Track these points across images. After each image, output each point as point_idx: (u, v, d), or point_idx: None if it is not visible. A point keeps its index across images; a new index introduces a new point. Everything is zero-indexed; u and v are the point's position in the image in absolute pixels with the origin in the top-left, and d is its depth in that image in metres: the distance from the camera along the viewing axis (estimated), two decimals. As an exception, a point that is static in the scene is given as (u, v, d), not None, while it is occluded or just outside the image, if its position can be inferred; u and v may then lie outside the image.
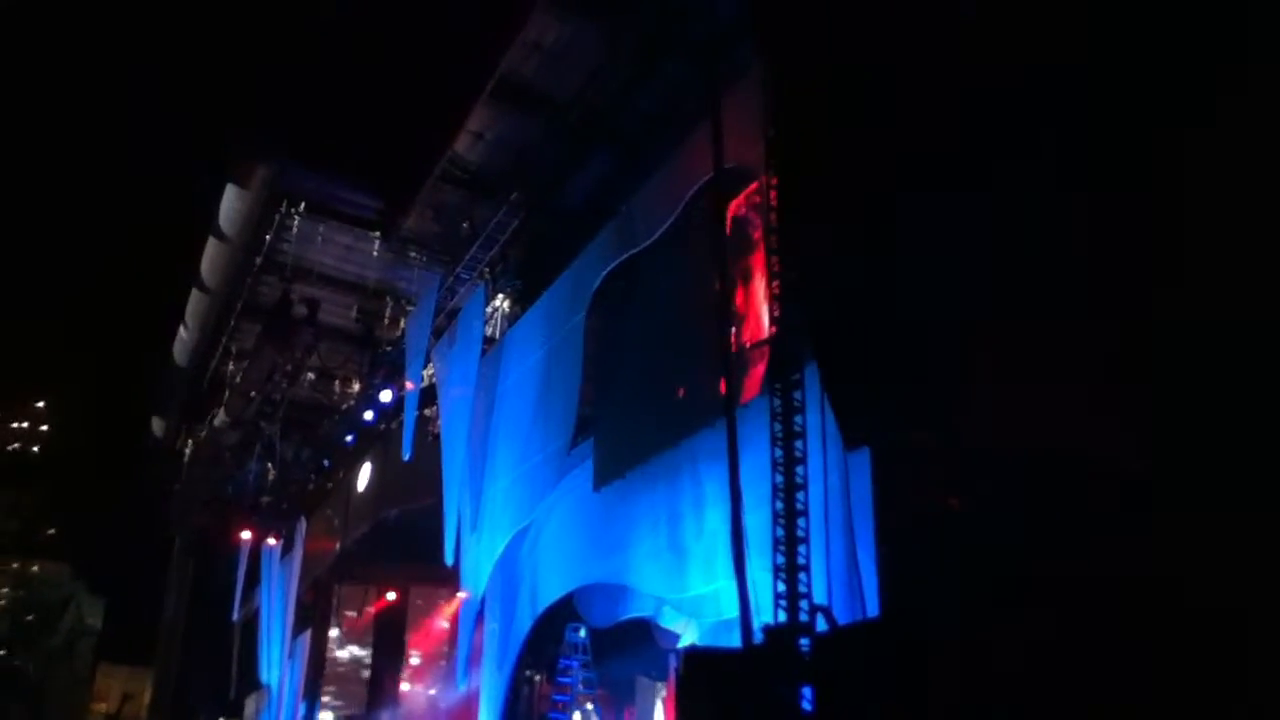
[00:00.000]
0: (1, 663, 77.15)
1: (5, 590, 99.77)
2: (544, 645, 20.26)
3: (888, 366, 10.67)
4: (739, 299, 14.18)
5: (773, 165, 12.75)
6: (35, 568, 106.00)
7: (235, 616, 39.91)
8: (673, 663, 15.56)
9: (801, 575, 11.33)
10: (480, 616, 21.39)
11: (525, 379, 20.66)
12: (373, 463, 30.17)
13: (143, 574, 59.92)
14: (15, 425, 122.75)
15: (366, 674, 33.48)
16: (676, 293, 17.02)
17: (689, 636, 16.16)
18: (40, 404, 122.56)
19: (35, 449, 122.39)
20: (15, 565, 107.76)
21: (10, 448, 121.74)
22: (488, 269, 24.20)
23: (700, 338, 15.64)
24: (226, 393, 39.61)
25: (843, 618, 10.97)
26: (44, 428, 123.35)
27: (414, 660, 31.57)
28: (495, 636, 20.77)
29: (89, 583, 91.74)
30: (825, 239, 12.27)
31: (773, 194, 12.66)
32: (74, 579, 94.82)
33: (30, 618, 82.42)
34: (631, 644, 19.10)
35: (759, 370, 13.37)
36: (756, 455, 12.16)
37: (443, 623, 29.25)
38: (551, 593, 19.28)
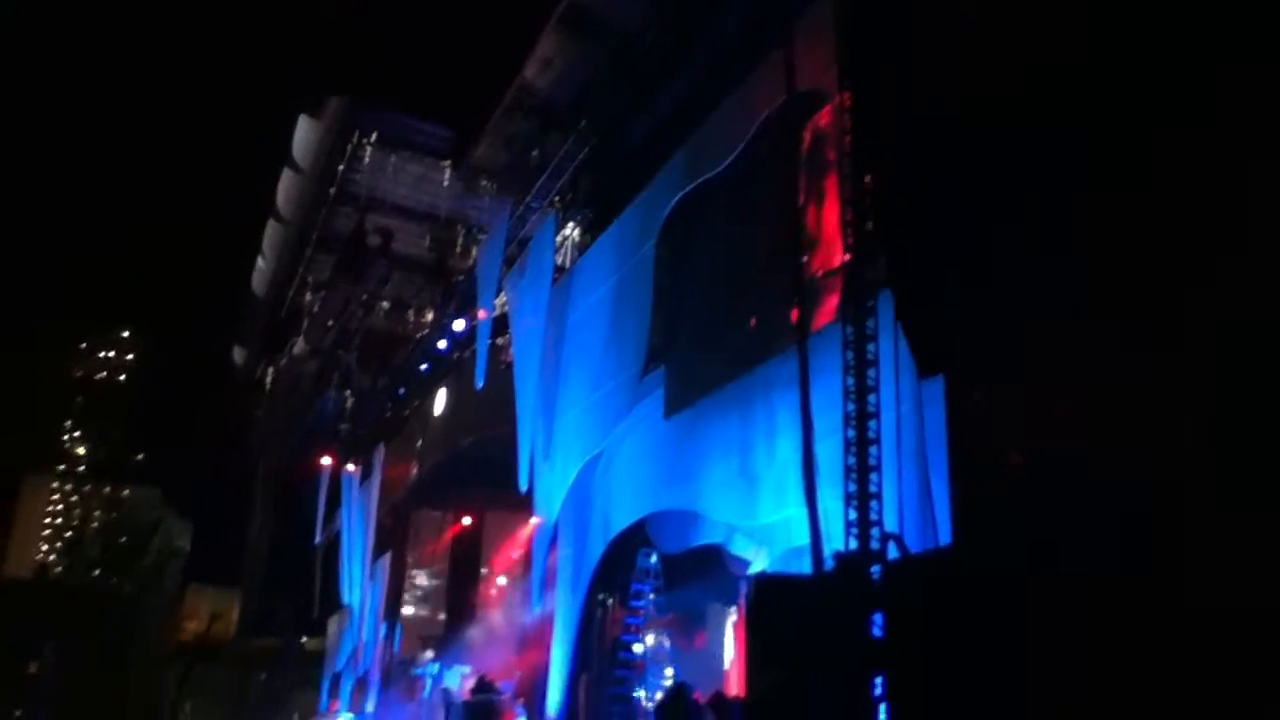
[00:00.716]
0: (98, 583, 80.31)
1: (98, 514, 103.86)
2: (616, 570, 20.48)
3: (968, 290, 10.51)
4: (812, 224, 13.99)
5: (846, 86, 12.50)
6: (125, 492, 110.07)
7: (317, 540, 41.01)
8: (743, 589, 15.70)
9: (873, 503, 11.30)
10: (554, 542, 21.72)
11: (596, 308, 20.71)
12: (447, 391, 30.60)
13: (228, 498, 61.76)
14: (102, 355, 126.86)
15: (443, 596, 34.26)
16: (748, 219, 16.84)
17: (760, 563, 16.23)
18: (125, 334, 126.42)
19: (122, 378, 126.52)
20: (107, 490, 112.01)
21: (98, 377, 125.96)
22: (558, 198, 24.18)
23: (772, 265, 15.51)
24: (304, 322, 40.39)
25: (915, 546, 10.94)
26: (129, 357, 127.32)
27: (489, 583, 32.21)
28: (568, 561, 21.09)
29: (177, 507, 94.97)
30: (900, 163, 12.05)
31: (846, 117, 12.44)
32: (163, 503, 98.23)
33: (123, 540, 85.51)
34: (703, 570, 19.23)
35: (832, 297, 13.22)
36: (829, 383, 12.10)
37: (517, 548, 29.76)
38: (623, 519, 19.48)
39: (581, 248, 24.01)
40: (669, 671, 19.59)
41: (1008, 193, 10.31)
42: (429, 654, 30.14)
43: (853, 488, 11.43)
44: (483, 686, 20.53)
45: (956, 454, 10.70)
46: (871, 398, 11.65)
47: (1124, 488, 8.30)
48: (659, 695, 17.20)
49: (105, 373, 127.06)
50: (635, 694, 19.10)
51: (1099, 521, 8.40)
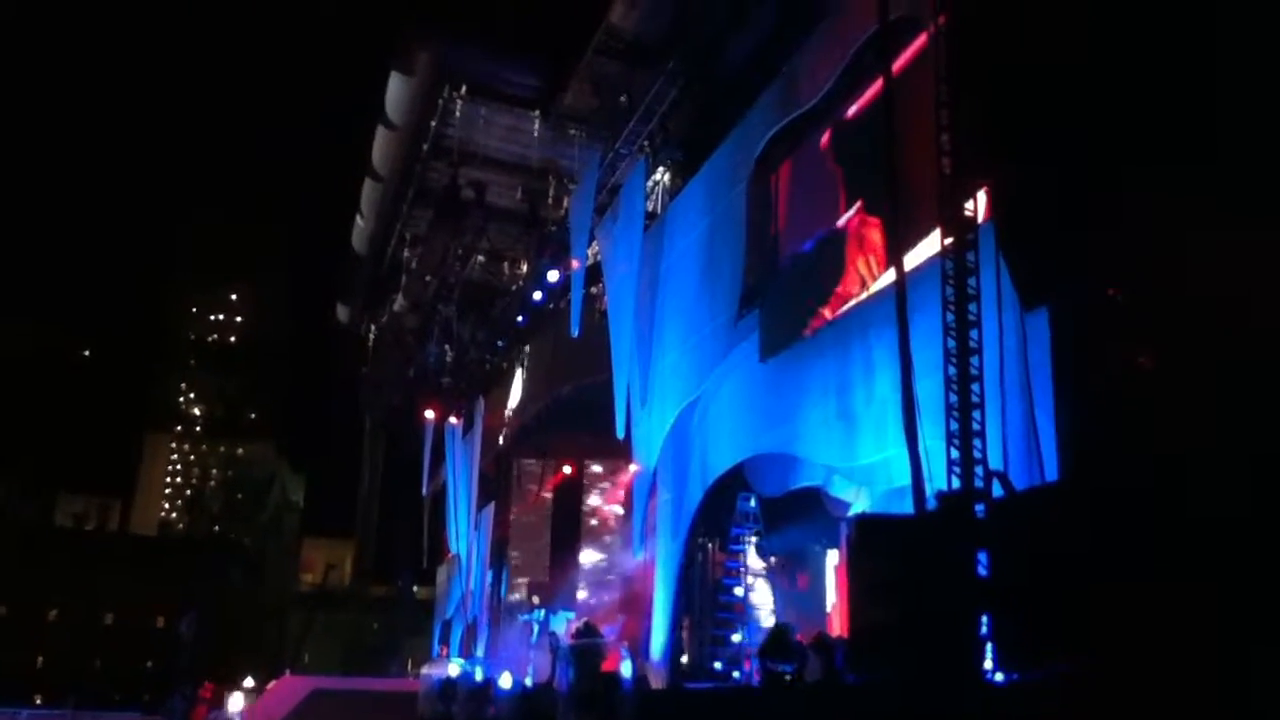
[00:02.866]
0: (219, 537, 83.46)
1: (215, 471, 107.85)
2: (716, 515, 20.46)
3: (1071, 219, 10.08)
4: (909, 157, 13.57)
5: (942, 9, 12.05)
6: (240, 450, 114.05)
7: (424, 491, 41.86)
8: (844, 530, 15.52)
9: (976, 441, 11.04)
10: (653, 488, 21.77)
11: (689, 253, 20.52)
12: (543, 341, 30.81)
13: (338, 452, 63.48)
14: (213, 317, 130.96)
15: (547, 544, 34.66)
16: (842, 156, 16.46)
17: (860, 504, 16.03)
18: (234, 296, 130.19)
19: (233, 339, 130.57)
20: (222, 448, 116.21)
21: (210, 339, 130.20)
22: (647, 142, 23.95)
23: (868, 201, 15.16)
24: (404, 277, 40.97)
25: (1020, 483, 10.65)
26: (238, 318, 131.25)
27: (591, 530, 32.51)
28: (668, 507, 21.13)
29: (290, 462, 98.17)
30: (1000, 88, 11.60)
31: (942, 41, 12.00)
32: (276, 459, 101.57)
33: (240, 495, 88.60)
34: (802, 512, 19.09)
35: (929, 232, 12.83)
36: (928, 320, 11.80)
37: (618, 495, 29.96)
38: (722, 463, 19.41)
39: (673, 192, 23.79)
40: (770, 613, 19.58)
41: (1113, 116, 9.83)
42: (535, 600, 30.62)
43: (955, 425, 11.17)
44: (588, 631, 20.77)
45: (1067, 376, 10.34)
46: (973, 333, 11.35)
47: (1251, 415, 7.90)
48: (761, 637, 17.17)
49: (216, 334, 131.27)
50: (736, 636, 19.14)
51: (1220, 453, 8.00)
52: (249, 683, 37.40)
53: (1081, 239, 10.30)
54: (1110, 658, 8.12)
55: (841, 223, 16.36)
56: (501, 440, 35.04)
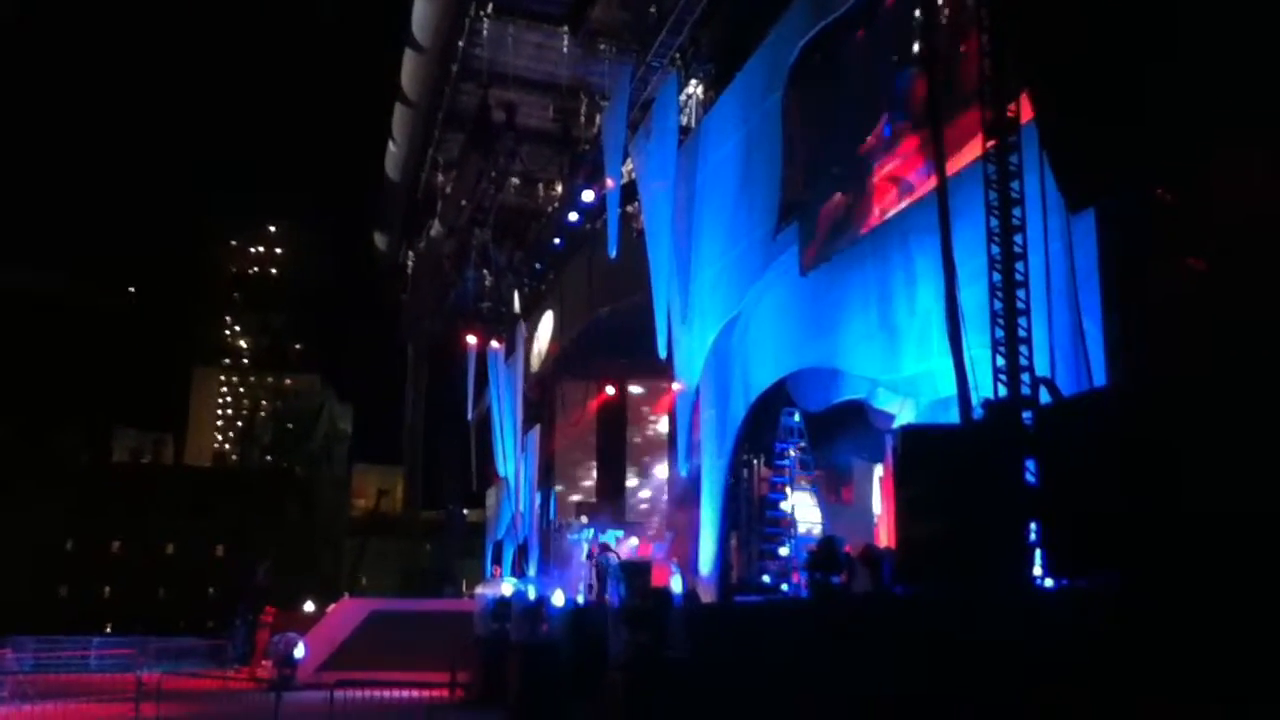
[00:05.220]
0: (273, 466, 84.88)
1: (264, 402, 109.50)
2: (760, 431, 20.45)
3: (1119, 116, 9.73)
4: (947, 59, 13.19)
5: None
6: (288, 380, 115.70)
7: (470, 416, 42.23)
8: (889, 443, 15.46)
9: (1022, 348, 10.88)
10: (697, 406, 21.76)
11: (724, 165, 20.21)
12: (580, 264, 30.71)
13: (384, 380, 64.04)
14: (254, 250, 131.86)
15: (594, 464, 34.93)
16: (881, 59, 16.03)
17: (904, 416, 15.92)
18: (273, 228, 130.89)
19: (274, 271, 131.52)
20: (270, 379, 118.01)
21: (251, 272, 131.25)
22: (678, 55, 23.48)
23: (908, 105, 14.79)
24: (439, 203, 40.89)
25: (1068, 389, 10.50)
26: (279, 250, 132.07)
27: (636, 449, 32.67)
28: (712, 424, 21.13)
29: (337, 391, 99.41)
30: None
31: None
32: (323, 389, 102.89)
33: (290, 426, 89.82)
34: (847, 426, 19.04)
35: (971, 137, 12.52)
36: (971, 226, 11.55)
37: (661, 414, 30.02)
38: (764, 379, 19.33)
39: (706, 105, 23.39)
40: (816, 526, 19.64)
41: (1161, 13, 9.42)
42: (583, 519, 30.96)
43: (1000, 333, 11.00)
44: (604, 550, 21.24)
45: (1114, 279, 10.10)
46: (1018, 237, 11.11)
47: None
48: (808, 550, 17.27)
49: (258, 268, 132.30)
50: (784, 550, 19.24)
51: (1273, 356, 7.80)
52: (309, 606, 38.34)
53: (1128, 138, 9.96)
54: (1157, 565, 8.03)
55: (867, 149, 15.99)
56: (542, 364, 35.18)
